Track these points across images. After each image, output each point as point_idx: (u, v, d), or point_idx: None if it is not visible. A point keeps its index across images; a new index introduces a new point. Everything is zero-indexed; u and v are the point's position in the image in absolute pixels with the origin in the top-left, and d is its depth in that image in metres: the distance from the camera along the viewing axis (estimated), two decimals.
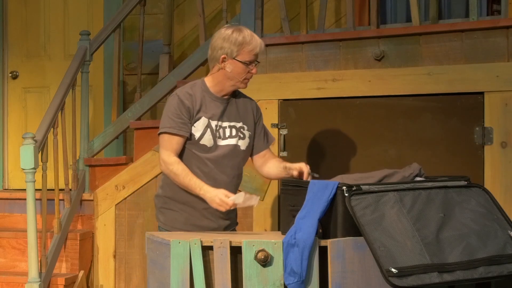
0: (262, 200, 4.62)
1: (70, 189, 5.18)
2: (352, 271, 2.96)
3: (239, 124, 3.70)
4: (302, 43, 4.60)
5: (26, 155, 4.54)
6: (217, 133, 3.64)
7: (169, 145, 3.62)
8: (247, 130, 3.73)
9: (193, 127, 3.62)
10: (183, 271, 3.05)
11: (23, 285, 4.65)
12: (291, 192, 3.30)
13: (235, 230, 3.83)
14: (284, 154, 4.54)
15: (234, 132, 3.68)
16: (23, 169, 4.58)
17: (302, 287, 2.95)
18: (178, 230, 3.63)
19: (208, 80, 3.71)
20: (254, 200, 3.48)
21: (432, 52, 4.31)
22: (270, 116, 4.57)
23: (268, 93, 4.62)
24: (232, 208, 3.50)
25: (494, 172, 4.12)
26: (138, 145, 5.13)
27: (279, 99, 4.59)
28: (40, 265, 4.66)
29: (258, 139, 3.79)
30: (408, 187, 3.12)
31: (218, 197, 3.47)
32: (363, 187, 3.07)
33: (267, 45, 4.67)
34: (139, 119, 5.33)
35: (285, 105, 4.58)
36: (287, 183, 3.36)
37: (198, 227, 3.63)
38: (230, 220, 3.75)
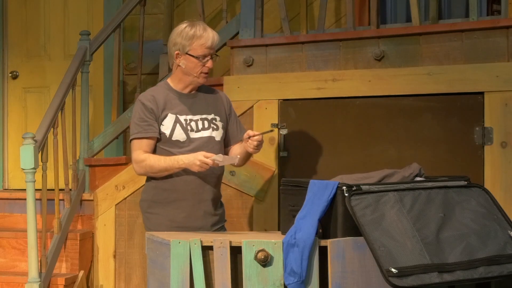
0: (262, 200, 4.62)
1: (70, 189, 5.17)
2: (352, 271, 2.95)
3: (210, 116, 3.71)
4: (302, 43, 4.60)
5: (26, 155, 4.54)
6: (188, 127, 3.64)
7: (138, 149, 3.63)
8: (220, 121, 3.74)
9: (161, 126, 3.63)
10: (183, 271, 3.05)
11: (23, 285, 4.65)
12: (291, 192, 3.29)
13: (224, 228, 3.82)
14: (284, 154, 4.54)
15: (206, 124, 3.68)
16: (23, 169, 4.57)
17: (302, 287, 2.95)
18: None
19: (171, 79, 3.73)
20: (234, 159, 3.53)
21: (432, 52, 4.30)
22: (270, 116, 4.57)
23: (268, 93, 4.61)
24: (214, 166, 3.49)
25: (494, 172, 4.12)
26: None
27: (279, 99, 4.59)
28: (40, 265, 4.66)
29: (234, 129, 3.81)
30: (408, 187, 3.12)
31: (197, 159, 3.48)
32: (363, 187, 3.07)
33: (267, 45, 4.68)
34: None
35: (285, 105, 4.58)
36: (287, 183, 3.35)
37: (183, 228, 3.62)
38: (217, 216, 3.74)
